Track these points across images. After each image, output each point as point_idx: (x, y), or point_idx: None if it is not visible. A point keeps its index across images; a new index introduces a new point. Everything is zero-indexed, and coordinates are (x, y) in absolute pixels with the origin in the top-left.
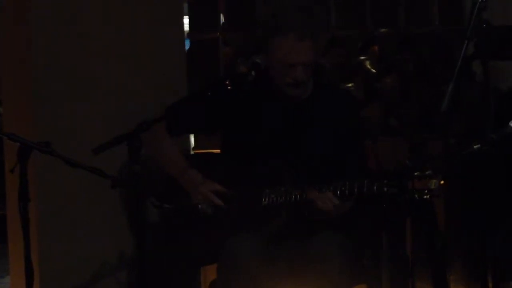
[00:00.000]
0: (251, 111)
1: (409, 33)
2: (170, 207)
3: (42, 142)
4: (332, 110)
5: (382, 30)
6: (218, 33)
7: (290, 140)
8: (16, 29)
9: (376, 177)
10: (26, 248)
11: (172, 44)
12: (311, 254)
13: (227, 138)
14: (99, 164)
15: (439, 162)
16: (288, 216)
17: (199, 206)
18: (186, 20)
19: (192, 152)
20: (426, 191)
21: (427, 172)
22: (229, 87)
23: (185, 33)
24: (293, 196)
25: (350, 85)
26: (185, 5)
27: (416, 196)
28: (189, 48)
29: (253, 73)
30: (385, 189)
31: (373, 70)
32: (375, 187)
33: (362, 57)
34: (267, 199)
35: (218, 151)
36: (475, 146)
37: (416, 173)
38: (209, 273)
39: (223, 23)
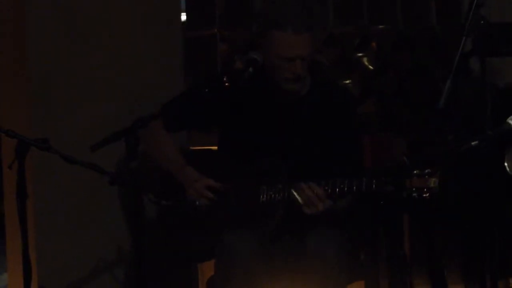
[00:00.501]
0: (248, 107)
1: (407, 32)
2: (168, 204)
3: (40, 138)
4: (329, 107)
5: (380, 26)
6: (216, 30)
7: (287, 136)
8: (14, 27)
9: (373, 174)
10: (24, 245)
11: (169, 41)
12: (308, 250)
13: (225, 135)
14: (96, 161)
15: (437, 160)
16: (285, 213)
17: (197, 202)
18: (183, 16)
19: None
20: (425, 189)
21: (426, 171)
22: (226, 84)
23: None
24: (290, 194)
25: (347, 81)
26: (183, 2)
27: (415, 195)
28: (186, 45)
29: (250, 69)
30: (383, 187)
31: (371, 67)
32: (373, 185)
33: (360, 54)
34: (264, 196)
35: (215, 147)
36: (473, 143)
37: (415, 171)
38: (207, 269)
39: (220, 19)
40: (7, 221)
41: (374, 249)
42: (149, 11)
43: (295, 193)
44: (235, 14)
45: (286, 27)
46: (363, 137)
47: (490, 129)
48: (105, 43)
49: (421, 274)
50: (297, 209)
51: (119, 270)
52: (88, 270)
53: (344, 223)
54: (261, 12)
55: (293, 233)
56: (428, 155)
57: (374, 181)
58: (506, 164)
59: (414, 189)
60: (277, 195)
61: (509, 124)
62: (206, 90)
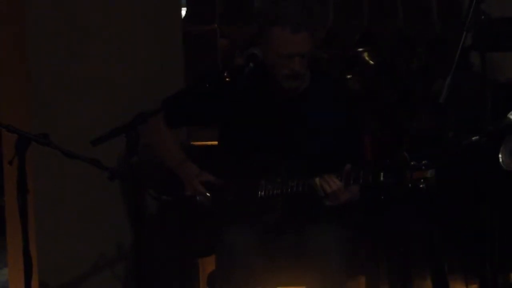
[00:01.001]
0: (248, 103)
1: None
2: (168, 199)
3: (40, 134)
4: (329, 102)
5: (380, 24)
6: (216, 25)
7: (287, 132)
8: (13, 24)
9: (374, 168)
10: (24, 240)
11: (169, 37)
12: (308, 245)
13: (225, 130)
14: (97, 156)
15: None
16: (284, 208)
17: (197, 198)
18: (183, 12)
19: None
20: (422, 180)
21: (423, 162)
22: (227, 79)
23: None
24: (289, 188)
25: (348, 76)
26: None
27: (410, 185)
28: (186, 41)
29: (251, 64)
30: (383, 179)
31: (371, 62)
32: (370, 177)
33: (360, 49)
34: (263, 191)
35: (215, 143)
36: (473, 138)
37: (412, 163)
38: (207, 264)
39: (220, 15)
40: (8, 216)
41: (374, 244)
42: (149, 6)
43: (317, 184)
44: (235, 10)
45: (286, 24)
46: (363, 136)
47: (490, 124)
48: (105, 38)
49: (421, 269)
50: (297, 205)
51: (119, 265)
52: (88, 265)
53: (343, 218)
54: (261, 9)
55: (293, 228)
56: (428, 151)
57: (372, 174)
58: (500, 158)
59: (410, 180)
60: (276, 190)
61: (510, 119)
62: (207, 85)
